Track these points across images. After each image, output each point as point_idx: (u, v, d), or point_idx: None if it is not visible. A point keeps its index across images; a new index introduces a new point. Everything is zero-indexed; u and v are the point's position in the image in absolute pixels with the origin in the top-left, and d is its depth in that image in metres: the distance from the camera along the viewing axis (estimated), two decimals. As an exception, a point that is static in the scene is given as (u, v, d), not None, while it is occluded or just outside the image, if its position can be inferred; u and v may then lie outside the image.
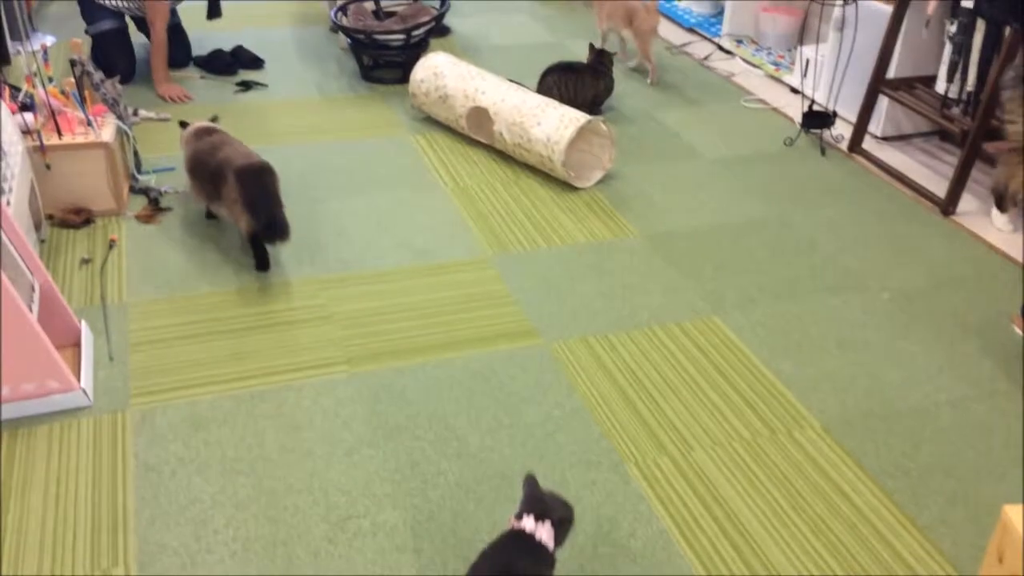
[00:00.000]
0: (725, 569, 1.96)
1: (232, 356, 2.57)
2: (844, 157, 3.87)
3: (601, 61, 4.09)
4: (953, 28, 3.44)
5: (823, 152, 3.88)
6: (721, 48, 5.03)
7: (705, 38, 5.19)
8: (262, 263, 2.97)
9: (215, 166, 2.99)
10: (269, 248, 2.97)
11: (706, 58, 4.91)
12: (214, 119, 3.40)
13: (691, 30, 5.32)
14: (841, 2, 3.86)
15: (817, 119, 3.97)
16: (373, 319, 2.74)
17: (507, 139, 3.64)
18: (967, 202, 3.45)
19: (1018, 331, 2.75)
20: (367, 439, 2.28)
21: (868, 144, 3.91)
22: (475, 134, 3.85)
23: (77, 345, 2.53)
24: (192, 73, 4.52)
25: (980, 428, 2.38)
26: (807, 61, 4.31)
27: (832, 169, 3.76)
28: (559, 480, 2.18)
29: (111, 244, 3.08)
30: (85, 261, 2.99)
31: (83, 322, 2.60)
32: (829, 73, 4.07)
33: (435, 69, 3.93)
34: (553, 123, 3.48)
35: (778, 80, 4.61)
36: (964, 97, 3.45)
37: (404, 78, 4.28)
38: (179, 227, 3.20)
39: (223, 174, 2.94)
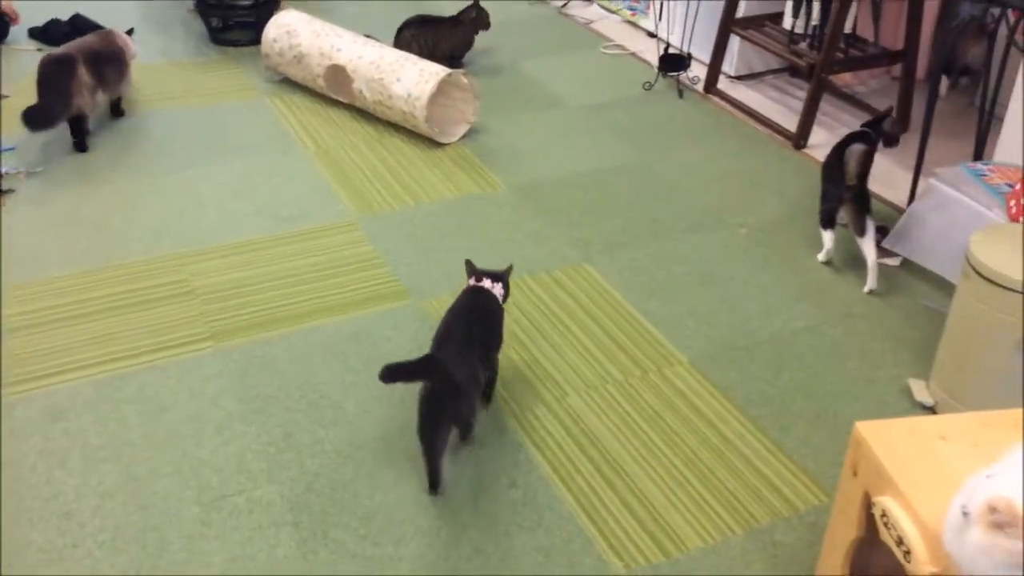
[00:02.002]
0: (602, 507, 2.01)
1: (90, 340, 2.45)
2: (701, 98, 3.95)
3: (472, 11, 4.03)
4: (795, -36, 3.53)
5: (681, 94, 3.95)
6: (578, -6, 5.04)
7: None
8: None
9: None
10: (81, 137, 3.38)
11: (564, 6, 4.91)
12: (130, 31, 3.73)
13: (548, -22, 5.31)
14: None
15: (673, 62, 4.03)
16: (237, 291, 2.66)
17: (368, 97, 3.57)
18: (817, 135, 3.58)
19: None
20: (237, 414, 2.23)
21: (723, 84, 4.00)
22: (335, 93, 3.76)
23: (-84, 342, 2.38)
24: (27, 46, 4.24)
25: (836, 351, 2.50)
26: (660, 5, 4.36)
27: (690, 110, 3.84)
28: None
29: (-53, 232, 2.89)
30: (-81, 252, 2.80)
31: (-80, 318, 2.44)
32: (682, 16, 4.13)
33: (288, 27, 3.80)
34: (413, 78, 3.42)
35: (635, 25, 4.66)
36: (810, 31, 3.57)
37: (257, 39, 4.12)
38: (24, 210, 3.02)
39: None
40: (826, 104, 3.72)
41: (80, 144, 3.37)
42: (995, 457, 1.40)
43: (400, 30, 4.07)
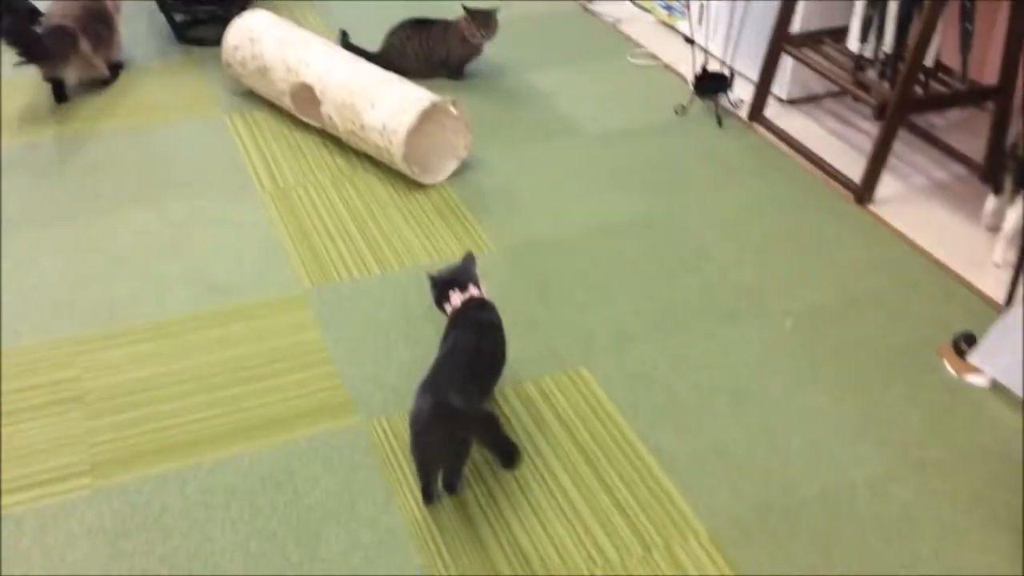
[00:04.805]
0: None
1: (-65, 470, 1.92)
2: (744, 127, 3.29)
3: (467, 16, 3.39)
4: (867, -27, 2.85)
5: (719, 122, 3.29)
6: (607, -13, 4.36)
7: (590, -26, 4.51)
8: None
9: None
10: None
11: (591, 1, 4.24)
12: None
13: (574, -35, 4.62)
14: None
15: (712, 81, 3.37)
16: (138, 397, 2.10)
17: (338, 124, 2.97)
18: (886, 186, 2.91)
19: (949, 369, 2.25)
20: (97, 605, 1.68)
21: (772, 109, 3.33)
22: (303, 115, 3.16)
23: None
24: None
25: (905, 520, 1.88)
26: (701, 6, 3.68)
27: (729, 144, 3.19)
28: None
29: None
30: None
31: None
32: (726, 25, 3.46)
33: (251, 33, 3.19)
34: (390, 107, 2.81)
35: (672, 28, 3.98)
36: (880, 57, 2.89)
37: (226, 39, 3.53)
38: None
39: None
40: (896, 142, 3.05)
41: (61, 96, 3.29)
42: None
43: (393, 31, 3.48)
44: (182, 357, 2.22)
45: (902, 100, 2.70)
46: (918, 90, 2.82)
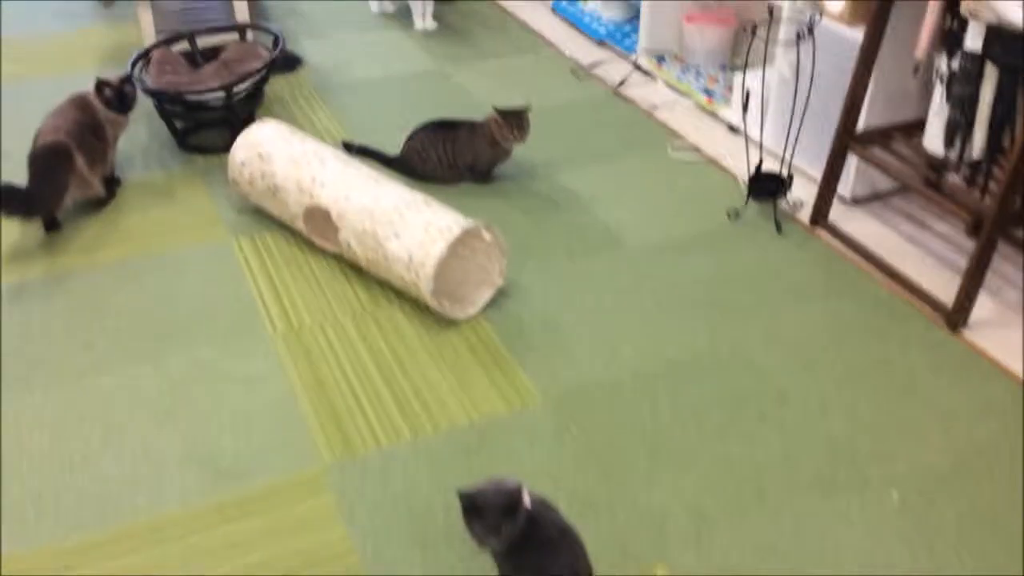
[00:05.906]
0: None
1: None
2: (806, 233, 2.95)
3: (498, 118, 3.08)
4: (945, 66, 2.53)
5: (779, 228, 2.96)
6: (639, 68, 4.06)
7: (620, 55, 4.21)
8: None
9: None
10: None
11: (621, 83, 3.94)
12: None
13: (603, 43, 4.33)
14: (796, 32, 2.92)
15: (769, 182, 3.05)
16: (131, 631, 1.76)
17: (357, 252, 2.65)
18: (983, 306, 2.56)
19: (1093, 555, 1.89)
20: None
21: (835, 210, 3.00)
22: (320, 239, 2.84)
23: None
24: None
25: None
26: (747, 93, 3.36)
27: (792, 256, 2.85)
28: None
29: None
30: None
31: None
32: (778, 114, 3.15)
33: (259, 148, 2.89)
34: (416, 235, 2.49)
35: (713, 115, 3.67)
36: (967, 160, 2.56)
37: (232, 142, 3.22)
38: None
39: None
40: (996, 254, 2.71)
41: (52, 224, 2.97)
42: None
43: (413, 134, 3.19)
44: (183, 567, 1.88)
45: (1002, 214, 2.37)
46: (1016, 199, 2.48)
